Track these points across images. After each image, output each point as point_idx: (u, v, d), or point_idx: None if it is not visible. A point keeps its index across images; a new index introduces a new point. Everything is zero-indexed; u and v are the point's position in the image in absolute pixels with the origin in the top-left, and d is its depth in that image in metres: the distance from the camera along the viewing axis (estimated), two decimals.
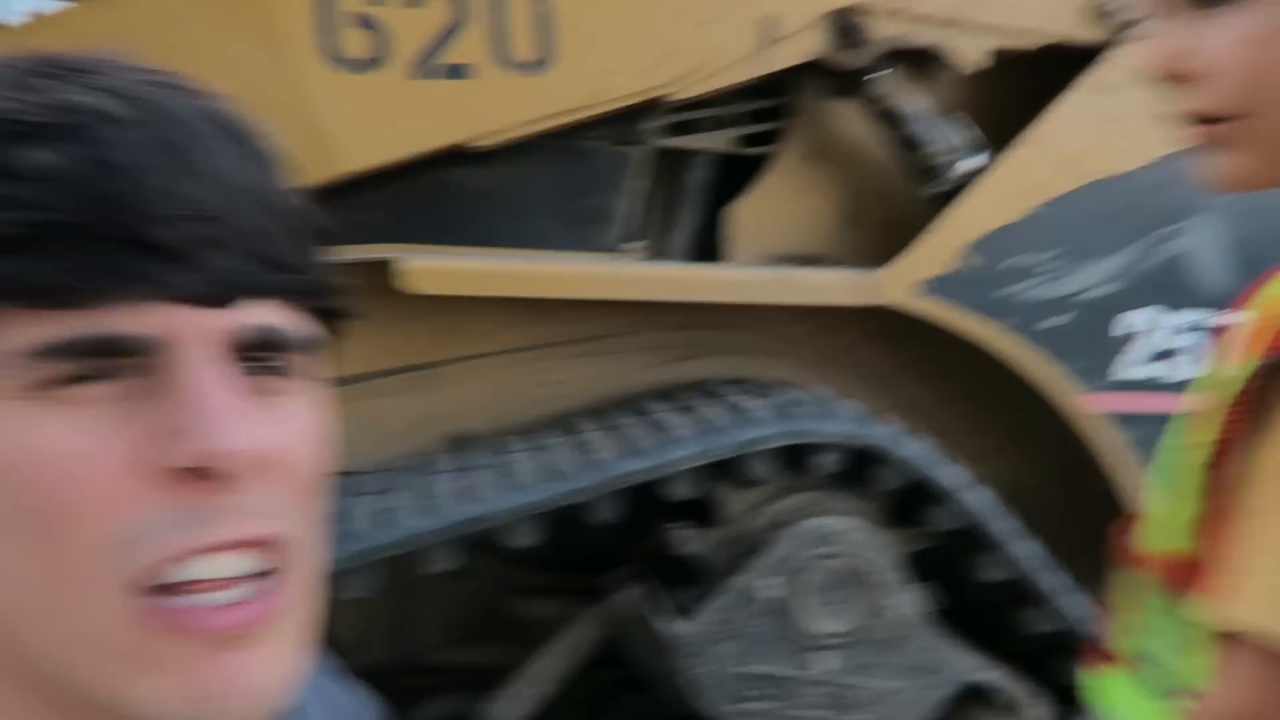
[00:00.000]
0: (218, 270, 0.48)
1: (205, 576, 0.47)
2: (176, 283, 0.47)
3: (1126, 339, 2.39)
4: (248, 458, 0.47)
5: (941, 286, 2.29)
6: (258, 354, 0.50)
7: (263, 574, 0.49)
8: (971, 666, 2.10)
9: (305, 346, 0.52)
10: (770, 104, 2.45)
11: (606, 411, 2.21)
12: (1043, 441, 2.60)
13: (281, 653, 0.50)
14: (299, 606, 0.52)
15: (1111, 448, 2.35)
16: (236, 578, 0.48)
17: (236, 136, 0.51)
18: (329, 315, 0.55)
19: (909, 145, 2.39)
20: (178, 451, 0.47)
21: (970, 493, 2.07)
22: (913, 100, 2.40)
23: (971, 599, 2.28)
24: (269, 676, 0.49)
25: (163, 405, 0.47)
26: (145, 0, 2.05)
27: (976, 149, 2.39)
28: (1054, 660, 2.24)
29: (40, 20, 2.09)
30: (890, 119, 2.39)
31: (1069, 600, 2.13)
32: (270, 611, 0.49)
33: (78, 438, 0.47)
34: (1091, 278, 2.38)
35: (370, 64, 2.06)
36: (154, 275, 0.46)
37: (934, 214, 2.34)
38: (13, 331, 0.45)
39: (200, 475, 0.47)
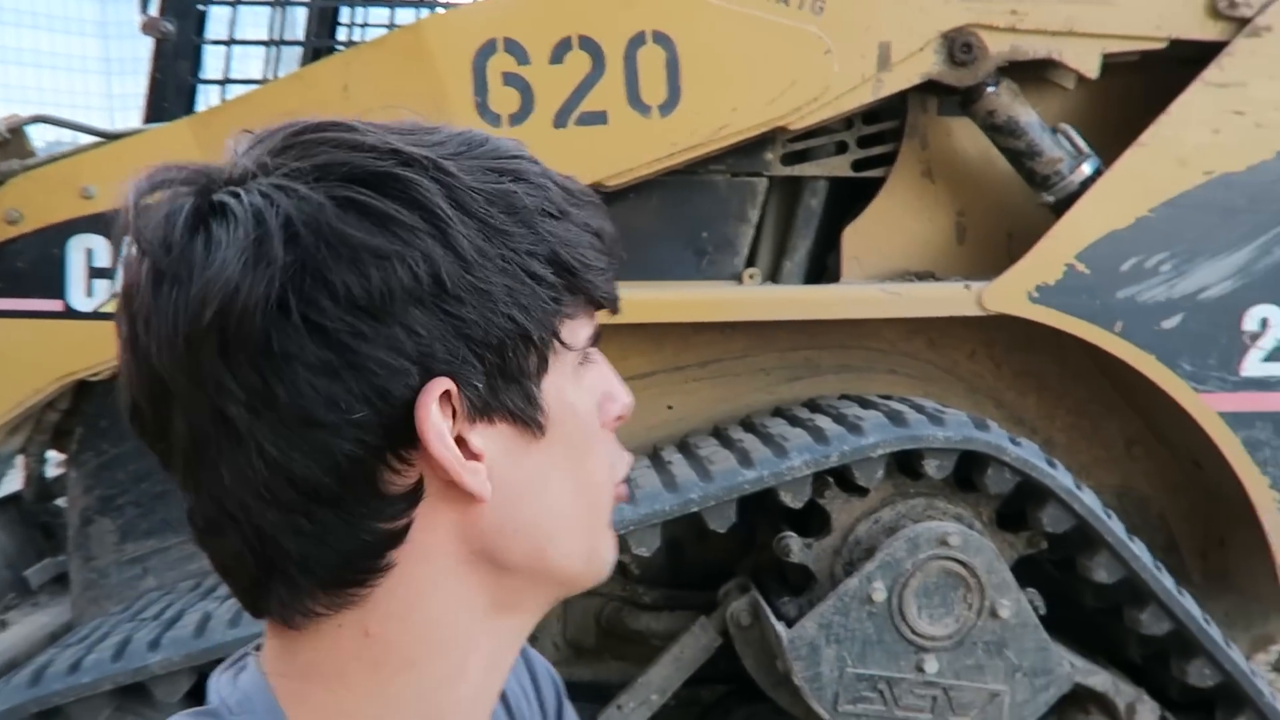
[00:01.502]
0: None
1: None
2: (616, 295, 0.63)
3: (1246, 337, 2.09)
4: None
5: (1053, 293, 2.07)
6: None
7: None
8: (1079, 669, 1.89)
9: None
10: (883, 127, 2.26)
11: (723, 430, 2.11)
12: (1157, 448, 2.34)
13: None
14: None
15: (1232, 449, 2.06)
16: None
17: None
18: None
19: (1024, 156, 2.16)
20: (619, 403, 0.64)
21: (1077, 494, 1.85)
22: (1026, 111, 2.16)
23: (1079, 603, 2.07)
24: None
25: (592, 374, 0.62)
26: (330, 74, 2.05)
27: (1089, 155, 2.13)
28: (1160, 664, 2.01)
29: (245, 97, 2.13)
30: (1005, 131, 2.16)
31: (1177, 603, 1.88)
32: None
33: (591, 397, 0.61)
34: (1209, 277, 2.09)
35: (518, 117, 2.01)
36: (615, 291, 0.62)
37: (1050, 223, 2.11)
38: (586, 324, 0.60)
39: (618, 419, 0.64)
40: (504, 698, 0.74)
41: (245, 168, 0.54)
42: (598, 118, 1.99)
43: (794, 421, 1.99)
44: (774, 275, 2.30)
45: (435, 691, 0.61)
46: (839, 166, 2.28)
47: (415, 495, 0.56)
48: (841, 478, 1.89)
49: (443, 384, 0.53)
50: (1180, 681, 2.00)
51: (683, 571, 2.35)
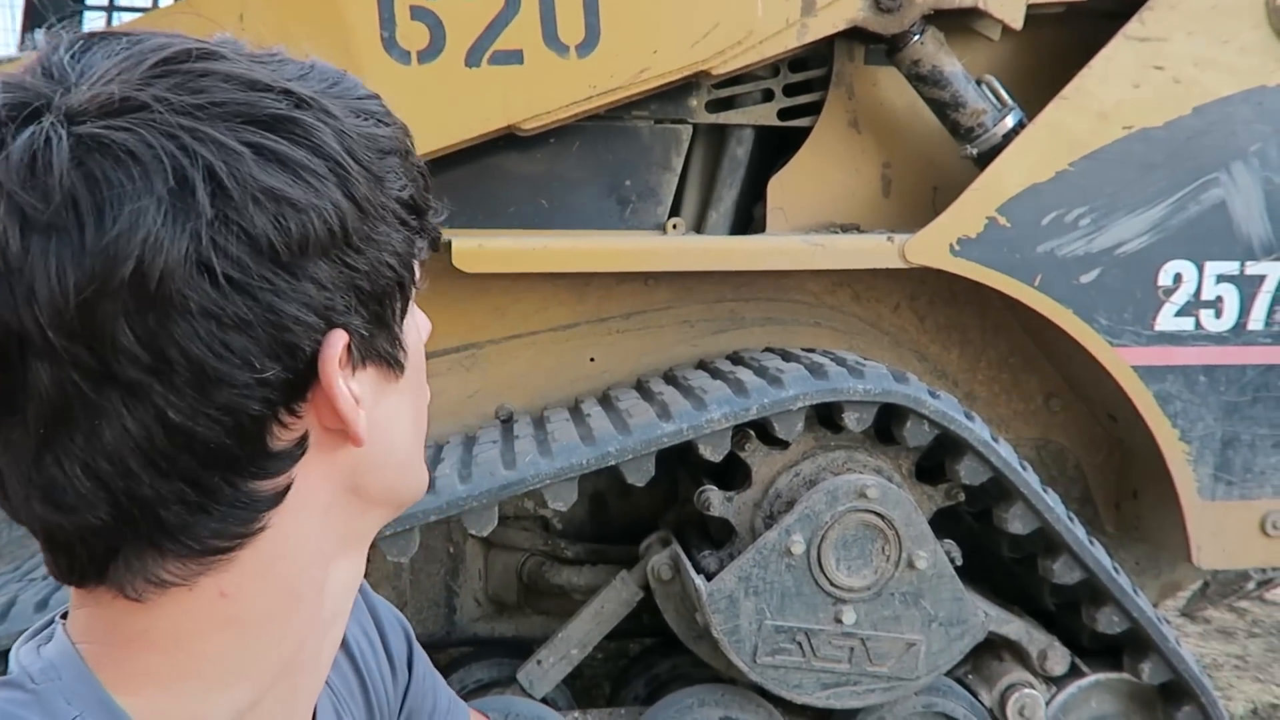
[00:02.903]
0: None
1: None
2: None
3: (1160, 292, 2.11)
4: None
5: (974, 247, 2.07)
6: None
7: None
8: (993, 618, 1.91)
9: None
10: (810, 75, 2.22)
11: (645, 383, 2.07)
12: (1075, 401, 2.37)
13: None
14: None
15: (1145, 402, 2.10)
16: None
17: None
18: None
19: (948, 107, 2.14)
20: (427, 329, 0.65)
21: (994, 447, 1.86)
22: (951, 61, 2.13)
23: (995, 552, 2.10)
24: None
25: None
26: (225, 1, 1.92)
27: (1012, 108, 2.12)
28: (1071, 611, 2.05)
29: (132, 24, 1.99)
30: (929, 81, 2.13)
31: (1088, 553, 1.92)
32: None
33: (416, 327, 0.62)
34: (1127, 232, 2.11)
35: (428, 54, 1.91)
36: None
37: (973, 176, 2.10)
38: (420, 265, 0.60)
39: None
40: (348, 649, 0.72)
41: (113, 95, 0.48)
42: (513, 57, 1.91)
43: (715, 374, 1.96)
44: (699, 225, 2.26)
45: (287, 646, 0.58)
46: (765, 115, 2.24)
47: (300, 449, 0.55)
48: (762, 430, 1.87)
49: (341, 336, 0.53)
50: (1090, 628, 2.04)
51: (606, 525, 2.33)
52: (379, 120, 0.57)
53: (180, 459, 0.50)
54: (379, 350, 0.57)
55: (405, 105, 2.03)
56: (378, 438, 0.58)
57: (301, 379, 0.52)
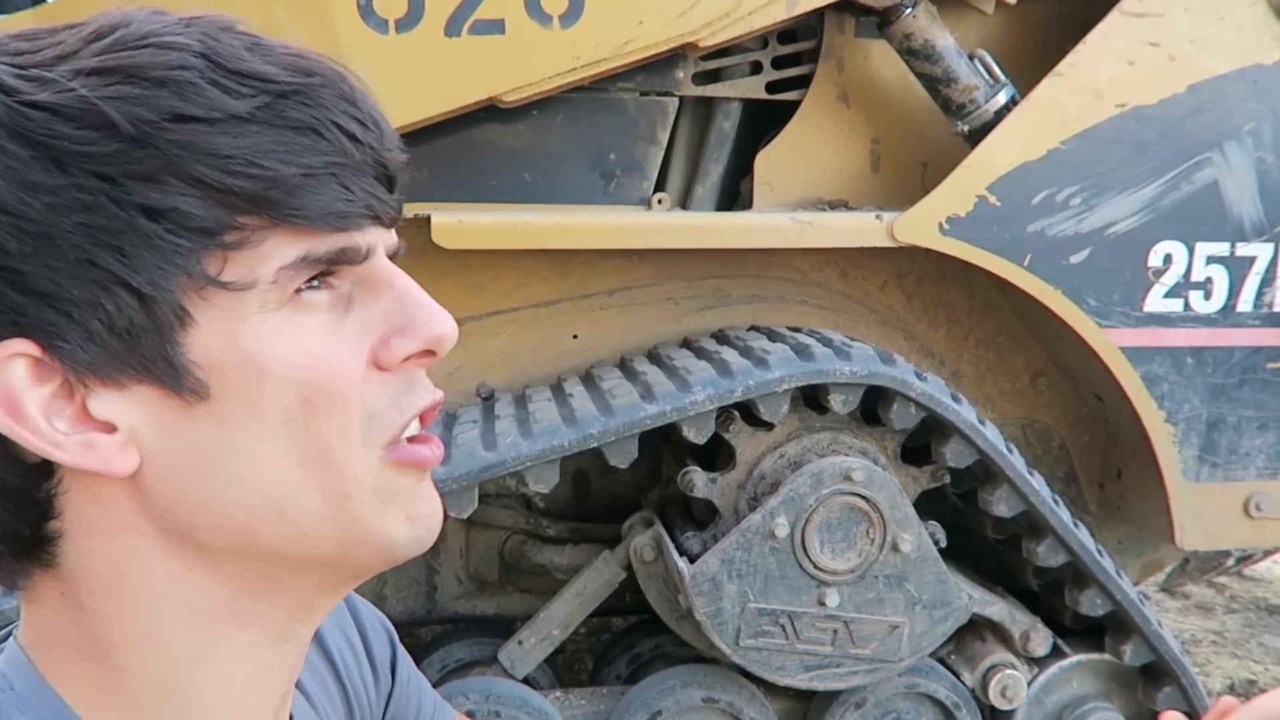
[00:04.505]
0: (397, 197, 0.54)
1: (420, 432, 0.55)
2: (391, 205, 0.52)
3: (1150, 273, 2.09)
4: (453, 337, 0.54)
5: (964, 226, 2.04)
6: None
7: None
8: (977, 600, 1.91)
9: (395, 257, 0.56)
10: (800, 48, 2.18)
11: (629, 361, 2.04)
12: (1061, 381, 2.36)
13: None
14: None
15: (1132, 383, 2.08)
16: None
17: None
18: None
19: (940, 82, 2.10)
20: (416, 338, 0.52)
21: (980, 429, 1.84)
22: (943, 35, 2.09)
23: (977, 532, 2.09)
24: (439, 503, 0.57)
25: (380, 304, 0.52)
26: None
27: (1005, 84, 2.08)
28: (1055, 593, 2.05)
29: None
30: (921, 55, 2.09)
31: (1073, 536, 1.91)
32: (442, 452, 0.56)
33: (327, 338, 0.50)
34: (1118, 212, 2.09)
35: (406, 23, 1.86)
36: (383, 199, 0.52)
37: (964, 153, 2.07)
38: (283, 249, 0.48)
39: (425, 354, 0.53)
40: (327, 655, 0.69)
41: None
42: (494, 26, 1.85)
43: (700, 354, 1.94)
44: (684, 200, 2.22)
45: (181, 672, 0.54)
46: (753, 88, 2.19)
47: (47, 466, 0.50)
48: (746, 411, 1.85)
49: (11, 347, 0.47)
50: (1073, 610, 2.05)
51: (588, 504, 2.31)
52: (133, 75, 0.47)
53: None
54: (132, 366, 0.48)
55: (383, 76, 1.96)
56: (176, 473, 0.50)
57: None
